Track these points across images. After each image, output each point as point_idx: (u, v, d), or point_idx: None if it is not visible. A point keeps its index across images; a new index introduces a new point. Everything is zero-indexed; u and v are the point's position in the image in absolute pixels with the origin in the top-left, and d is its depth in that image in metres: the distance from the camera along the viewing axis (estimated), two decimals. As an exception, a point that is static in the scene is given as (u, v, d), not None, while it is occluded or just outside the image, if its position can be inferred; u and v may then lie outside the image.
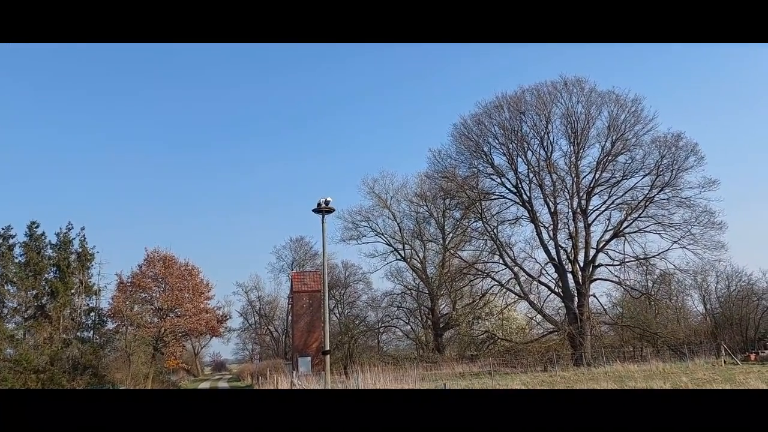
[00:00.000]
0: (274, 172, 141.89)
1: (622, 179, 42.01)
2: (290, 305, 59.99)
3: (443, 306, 62.00)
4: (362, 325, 62.95)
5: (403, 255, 61.29)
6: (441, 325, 60.60)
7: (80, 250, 49.63)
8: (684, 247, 40.07)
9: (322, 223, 30.87)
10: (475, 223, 48.12)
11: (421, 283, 61.69)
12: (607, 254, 43.07)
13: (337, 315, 62.39)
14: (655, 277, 46.65)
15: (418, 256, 62.05)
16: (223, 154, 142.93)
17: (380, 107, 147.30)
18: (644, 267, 44.27)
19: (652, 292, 45.97)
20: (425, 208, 59.07)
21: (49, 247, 48.65)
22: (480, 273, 45.87)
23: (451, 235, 58.50)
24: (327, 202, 30.66)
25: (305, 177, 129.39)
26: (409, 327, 66.50)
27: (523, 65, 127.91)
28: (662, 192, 40.79)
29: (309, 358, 46.69)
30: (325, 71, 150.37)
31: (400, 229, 61.15)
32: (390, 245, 61.35)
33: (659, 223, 40.61)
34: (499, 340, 47.87)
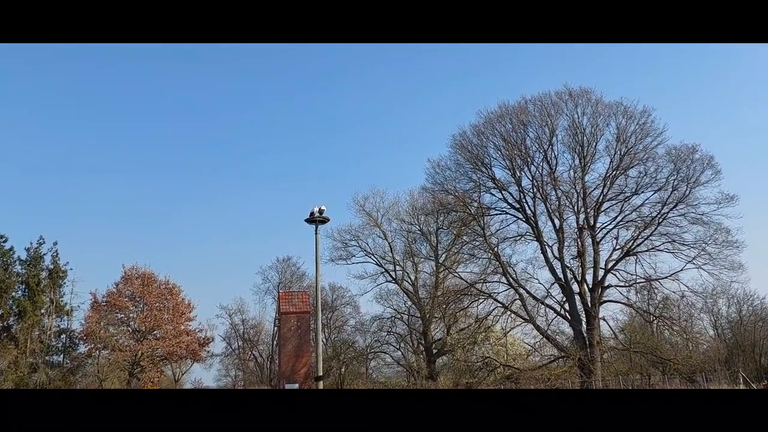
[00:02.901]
0: (262, 189, 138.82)
1: (632, 195, 39.79)
2: (277, 328, 56.82)
3: (436, 330, 59.34)
4: (350, 350, 60.25)
5: (394, 276, 58.58)
6: (434, 351, 57.88)
7: (52, 266, 46.57)
8: (699, 267, 37.69)
9: (315, 234, 28.28)
10: (473, 241, 45.47)
11: (413, 306, 58.97)
12: (615, 275, 40.62)
13: (324, 340, 59.48)
14: (658, 300, 44.41)
15: (410, 278, 59.48)
16: (209, 169, 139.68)
17: (369, 123, 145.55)
18: (646, 290, 42.03)
19: (658, 315, 43.41)
20: (417, 227, 56.75)
21: (17, 263, 45.55)
22: (481, 294, 43.06)
23: (444, 255, 56.07)
24: (321, 211, 28.12)
25: (293, 195, 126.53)
26: (399, 353, 63.68)
27: (524, 76, 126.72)
28: (675, 208, 38.55)
29: (296, 385, 43.38)
30: (316, 86, 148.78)
31: (391, 248, 58.59)
32: (380, 266, 58.68)
33: (673, 241, 38.27)
34: (500, 366, 44.81)
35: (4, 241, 44.96)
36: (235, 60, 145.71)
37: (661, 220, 38.85)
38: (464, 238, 48.60)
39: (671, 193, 38.55)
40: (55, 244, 47.73)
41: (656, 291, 41.21)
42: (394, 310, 60.40)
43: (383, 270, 58.27)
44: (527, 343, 47.31)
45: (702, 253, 37.72)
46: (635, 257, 39.31)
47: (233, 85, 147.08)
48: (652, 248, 39.04)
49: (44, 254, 46.30)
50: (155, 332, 47.61)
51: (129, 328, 47.67)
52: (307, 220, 28.13)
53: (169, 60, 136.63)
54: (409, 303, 59.15)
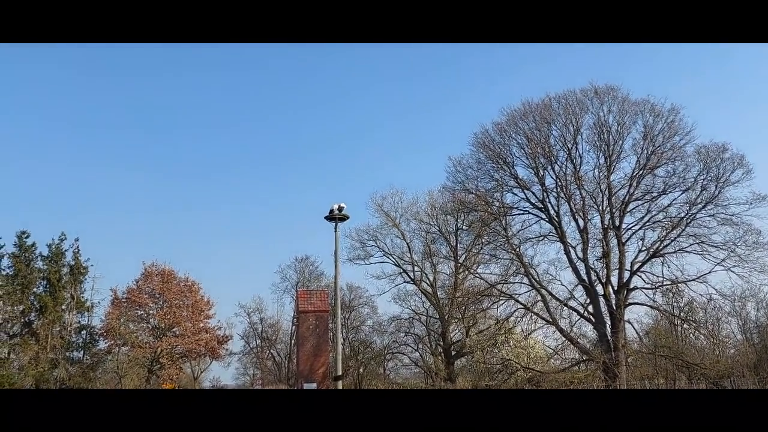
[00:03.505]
0: (281, 186, 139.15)
1: (660, 194, 38.76)
2: (295, 327, 56.58)
3: (455, 332, 58.76)
4: (368, 351, 60.06)
5: (412, 277, 58.05)
6: (453, 353, 57.28)
7: (73, 262, 46.67)
8: (729, 269, 36.52)
9: (335, 231, 27.95)
10: (495, 241, 44.66)
11: (431, 307, 58.44)
12: (641, 277, 39.61)
13: (341, 340, 59.27)
14: (683, 304, 43.32)
15: (428, 279, 58.94)
16: (230, 168, 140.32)
17: (389, 122, 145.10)
18: (672, 293, 41.04)
19: (685, 318, 42.31)
20: (436, 227, 56.19)
21: (39, 258, 45.77)
22: (503, 295, 42.28)
23: (464, 255, 55.41)
24: (341, 209, 27.78)
25: (311, 194, 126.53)
26: (417, 354, 63.25)
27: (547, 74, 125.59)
28: (704, 209, 37.47)
29: (314, 385, 43.04)
30: (331, 81, 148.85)
31: (409, 249, 58.07)
32: (399, 266, 58.22)
33: (701, 242, 37.16)
34: (521, 369, 43.99)
35: (27, 237, 45.22)
36: (255, 60, 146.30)
37: (689, 220, 37.78)
38: (485, 238, 47.89)
39: (700, 193, 37.49)
40: (77, 240, 48.01)
41: (682, 293, 40.22)
42: (412, 311, 60.09)
43: (401, 270, 57.87)
44: (548, 346, 46.47)
45: (731, 254, 36.60)
46: (662, 259, 38.27)
47: (255, 85, 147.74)
48: (680, 250, 37.96)
49: (66, 250, 46.54)
50: (174, 329, 47.59)
51: (149, 325, 47.73)
52: (326, 218, 27.83)
53: (190, 59, 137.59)
54: (428, 304, 58.68)
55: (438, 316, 57.19)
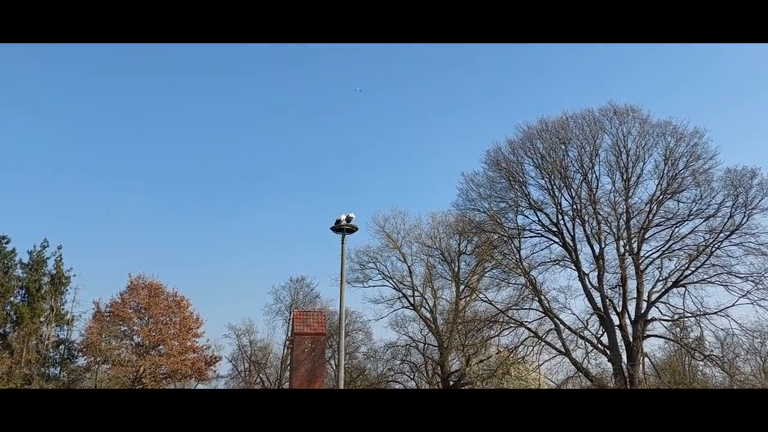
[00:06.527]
0: (275, 206, 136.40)
1: (683, 221, 36.81)
2: (288, 350, 53.93)
3: (454, 360, 56.52)
4: (362, 378, 57.89)
5: (412, 302, 55.86)
6: (451, 383, 54.93)
7: (55, 271, 44.04)
8: (755, 303, 34.39)
9: (342, 243, 25.73)
10: (505, 264, 42.48)
11: (430, 334, 56.25)
12: (658, 308, 37.47)
13: (334, 367, 56.99)
14: (693, 339, 41.12)
15: (428, 304, 56.79)
16: (224, 182, 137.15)
17: (393, 141, 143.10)
18: (685, 326, 38.95)
19: (707, 354, 39.96)
20: (439, 251, 54.22)
21: (18, 266, 43.11)
22: (512, 321, 39.95)
23: (467, 279, 53.34)
24: (349, 219, 25.56)
25: (309, 214, 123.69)
26: (413, 383, 60.89)
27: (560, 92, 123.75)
28: (729, 237, 35.50)
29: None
30: (336, 99, 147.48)
31: (410, 272, 55.98)
32: (398, 290, 56.08)
33: (728, 273, 35.09)
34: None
35: (6, 243, 42.72)
36: (257, 63, 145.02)
37: (713, 249, 35.79)
38: (492, 261, 45.83)
39: (727, 220, 35.54)
40: (60, 248, 45.25)
41: (702, 327, 38.00)
42: (410, 337, 57.98)
43: (401, 295, 55.85)
44: (550, 379, 44.09)
45: (758, 287, 34.53)
46: (684, 289, 36.15)
47: (251, 95, 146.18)
48: (703, 280, 35.84)
49: (47, 258, 43.94)
50: (160, 347, 44.83)
51: (132, 342, 44.95)
52: (333, 228, 25.68)
53: (186, 68, 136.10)
54: (426, 331, 56.57)
55: (437, 344, 55.07)
